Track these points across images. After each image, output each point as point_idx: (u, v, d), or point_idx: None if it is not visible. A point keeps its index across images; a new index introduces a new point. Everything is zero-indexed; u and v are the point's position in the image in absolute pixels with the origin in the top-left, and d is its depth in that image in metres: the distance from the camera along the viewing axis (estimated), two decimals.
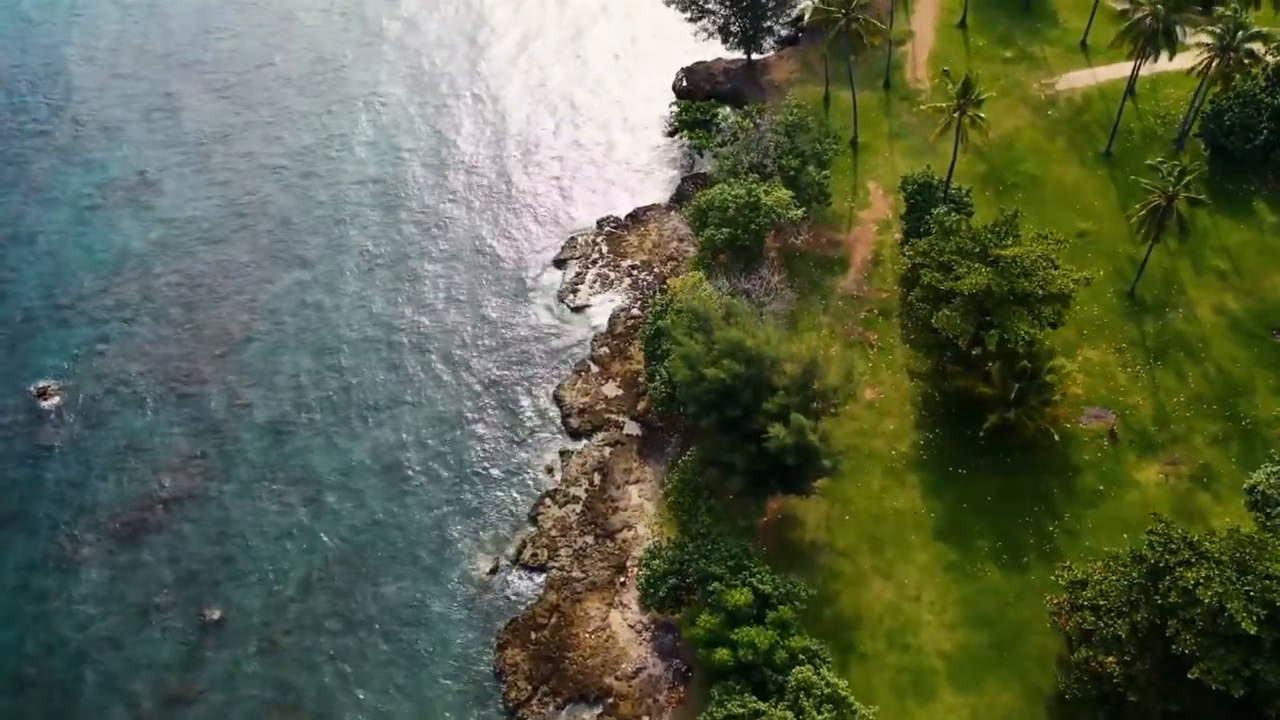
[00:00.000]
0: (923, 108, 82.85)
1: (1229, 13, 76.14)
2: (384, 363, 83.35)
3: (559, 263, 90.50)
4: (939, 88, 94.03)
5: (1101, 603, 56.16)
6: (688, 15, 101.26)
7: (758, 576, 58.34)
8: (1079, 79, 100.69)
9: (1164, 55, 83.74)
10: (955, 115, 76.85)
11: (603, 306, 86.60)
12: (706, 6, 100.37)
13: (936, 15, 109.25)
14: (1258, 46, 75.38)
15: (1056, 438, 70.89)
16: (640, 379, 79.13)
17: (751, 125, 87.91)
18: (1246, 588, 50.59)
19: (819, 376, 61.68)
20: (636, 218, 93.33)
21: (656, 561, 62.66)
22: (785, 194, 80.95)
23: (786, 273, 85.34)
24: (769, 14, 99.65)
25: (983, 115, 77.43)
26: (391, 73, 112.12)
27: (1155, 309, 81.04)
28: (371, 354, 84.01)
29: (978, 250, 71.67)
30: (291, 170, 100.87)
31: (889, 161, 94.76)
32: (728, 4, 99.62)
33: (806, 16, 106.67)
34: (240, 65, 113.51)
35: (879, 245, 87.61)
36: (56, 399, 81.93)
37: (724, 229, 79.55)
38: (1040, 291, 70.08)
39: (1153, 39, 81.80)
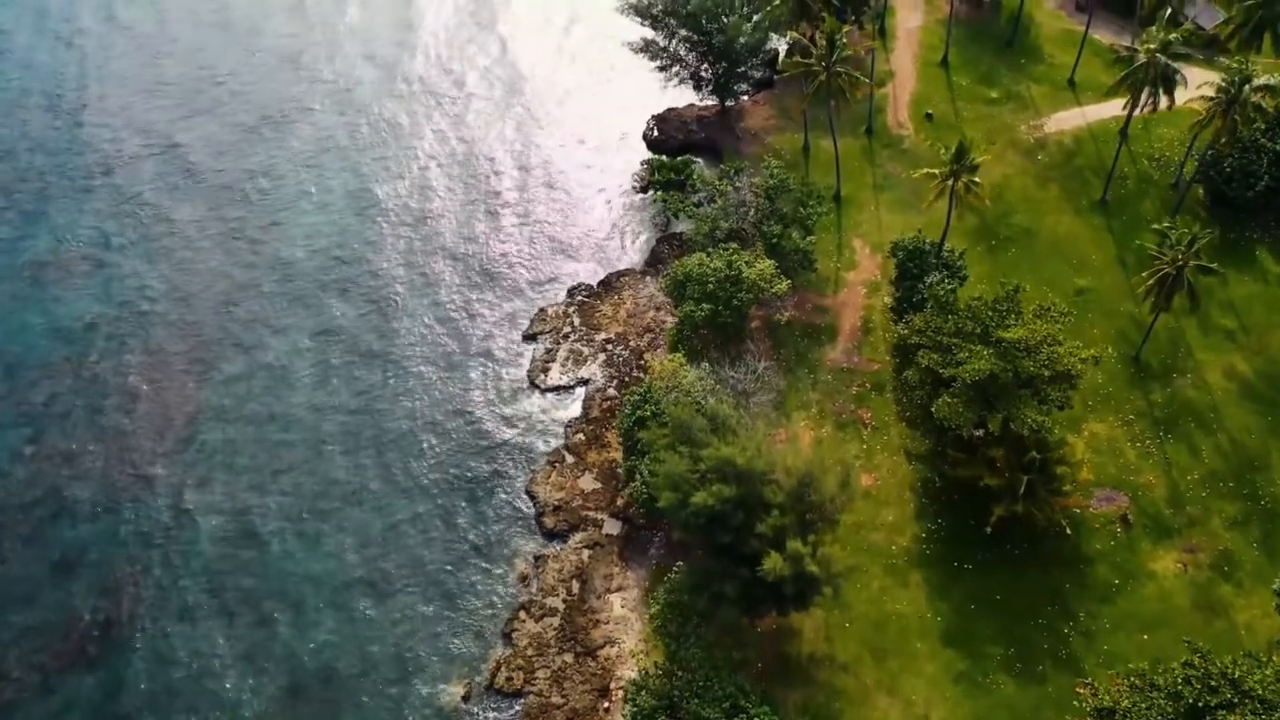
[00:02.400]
0: (915, 175, 77.82)
1: (1235, 64, 71.53)
2: (340, 461, 76.86)
3: (529, 337, 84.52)
4: (931, 150, 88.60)
5: None
6: (658, 64, 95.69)
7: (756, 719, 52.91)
8: (1068, 119, 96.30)
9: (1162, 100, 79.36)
10: (949, 182, 71.67)
11: (576, 387, 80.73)
12: (677, 54, 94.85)
13: (917, 53, 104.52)
14: (1263, 99, 70.80)
15: (1068, 531, 66.04)
16: (618, 469, 73.47)
17: (729, 188, 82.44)
18: None
19: (815, 488, 56.25)
20: (609, 285, 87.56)
21: (643, 695, 57.04)
22: (768, 265, 75.67)
23: (771, 343, 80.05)
24: (742, 61, 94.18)
25: (978, 180, 72.39)
26: (351, 126, 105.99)
27: (1162, 375, 76.49)
28: (326, 451, 77.49)
29: (978, 331, 66.64)
30: (235, 243, 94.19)
31: (875, 216, 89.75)
32: (700, 50, 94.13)
33: (780, 59, 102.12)
34: (192, 116, 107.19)
35: (868, 310, 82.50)
36: None
37: (704, 305, 74.19)
38: (1046, 372, 65.25)
39: (1153, 86, 77.23)
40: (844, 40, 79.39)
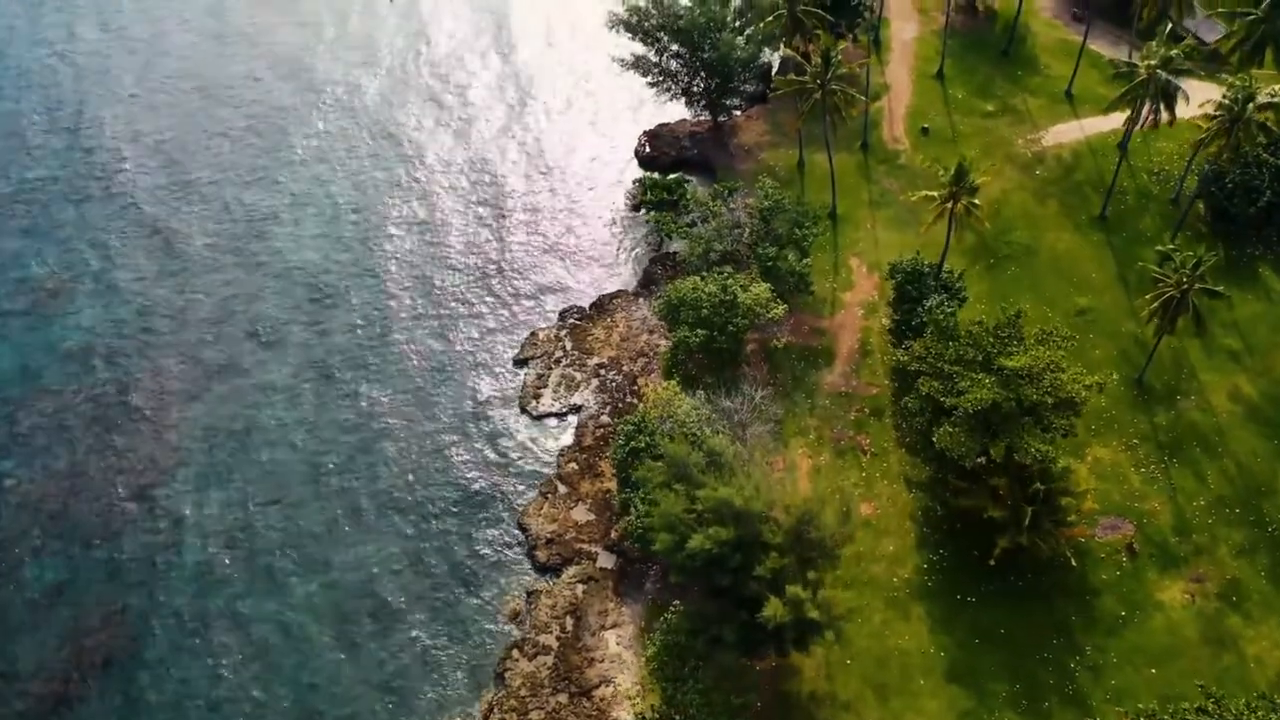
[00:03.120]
0: (913, 199, 76.18)
1: (1239, 82, 70.03)
2: (326, 491, 74.91)
3: (520, 362, 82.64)
4: (929, 170, 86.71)
5: None
6: (648, 80, 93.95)
7: None
8: (1066, 132, 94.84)
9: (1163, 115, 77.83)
10: (948, 205, 70.09)
11: (569, 414, 78.85)
12: (669, 69, 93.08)
13: (912, 64, 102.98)
14: (1267, 118, 69.29)
15: (1074, 563, 64.50)
16: (612, 499, 71.71)
17: (723, 209, 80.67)
18: None
19: (815, 525, 54.59)
20: (601, 307, 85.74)
21: None
22: (764, 289, 74.00)
23: (767, 367, 78.39)
24: (735, 76, 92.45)
25: (977, 203, 70.82)
26: (335, 146, 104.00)
27: (1166, 397, 74.99)
28: (310, 483, 75.45)
29: (980, 358, 65.09)
30: (217, 264, 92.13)
31: (871, 234, 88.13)
32: (692, 66, 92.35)
33: (774, 71, 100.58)
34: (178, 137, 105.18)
35: (865, 332, 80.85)
36: None
37: (699, 330, 72.48)
38: (1049, 399, 63.77)
39: (1153, 102, 75.68)
40: (839, 58, 77.74)
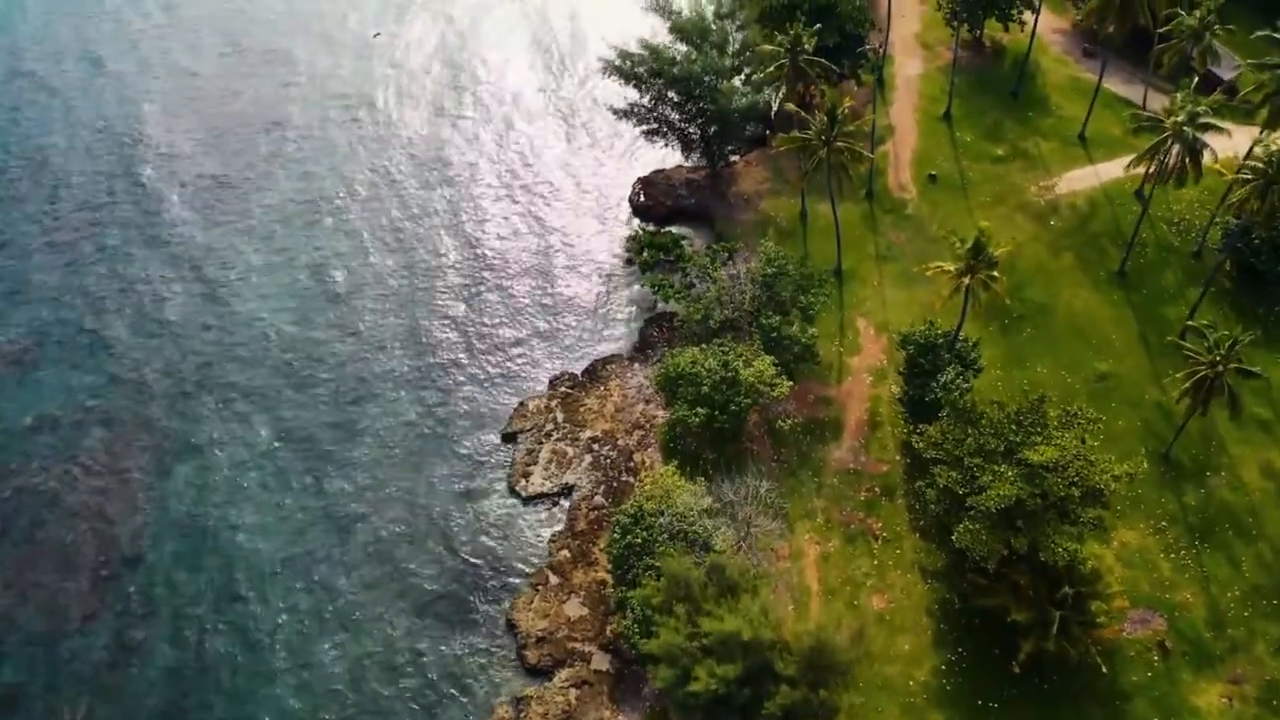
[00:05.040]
0: (928, 272, 71.58)
1: (1274, 144, 65.63)
2: (297, 585, 69.81)
3: (508, 437, 77.73)
4: (941, 237, 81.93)
5: None
6: (643, 128, 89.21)
7: None
8: (1081, 179, 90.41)
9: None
10: (965, 279, 65.59)
11: (561, 497, 73.91)
12: (664, 116, 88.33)
13: (917, 104, 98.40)
14: None
15: (1104, 669, 59.98)
16: (607, 591, 67.05)
17: (723, 273, 75.91)
18: None
19: (829, 651, 50.04)
20: (594, 374, 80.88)
21: None
22: (767, 363, 69.33)
23: (771, 442, 73.75)
24: (734, 125, 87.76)
25: (996, 275, 66.33)
26: (311, 197, 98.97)
27: (1195, 474, 70.60)
28: (280, 576, 70.26)
29: (1002, 448, 60.55)
30: (188, 327, 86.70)
31: (878, 292, 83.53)
32: (688, 113, 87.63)
33: (774, 111, 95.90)
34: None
35: (874, 401, 76.26)
36: None
37: (699, 409, 67.79)
38: (1076, 491, 59.32)
39: (1179, 157, 71.27)
40: (845, 112, 73.19)
